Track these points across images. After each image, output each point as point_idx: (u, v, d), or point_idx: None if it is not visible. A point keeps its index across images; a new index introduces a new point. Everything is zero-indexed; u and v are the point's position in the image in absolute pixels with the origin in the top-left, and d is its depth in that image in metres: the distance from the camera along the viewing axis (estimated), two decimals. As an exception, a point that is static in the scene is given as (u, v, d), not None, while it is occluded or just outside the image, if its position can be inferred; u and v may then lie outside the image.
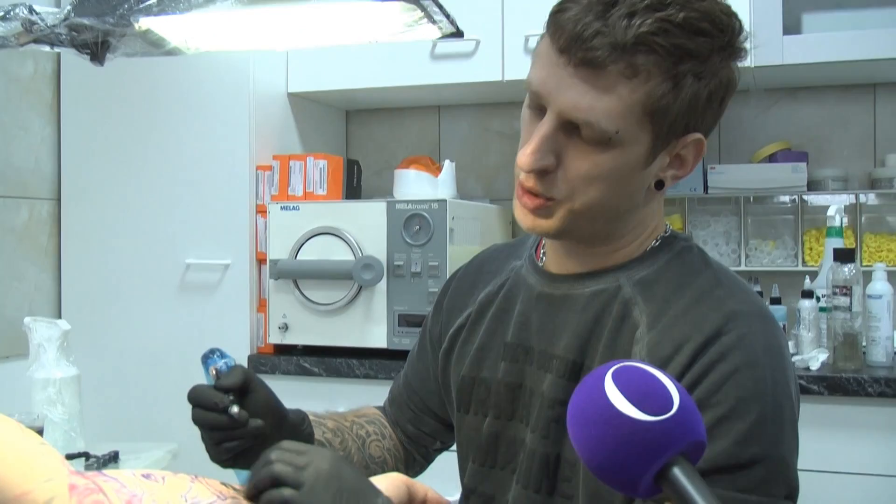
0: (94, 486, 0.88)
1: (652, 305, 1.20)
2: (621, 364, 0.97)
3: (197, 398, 1.24)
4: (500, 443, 1.31)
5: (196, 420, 1.24)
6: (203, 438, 1.26)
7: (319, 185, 2.98)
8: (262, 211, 2.96)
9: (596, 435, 0.93)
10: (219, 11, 1.09)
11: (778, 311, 2.66)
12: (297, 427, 1.33)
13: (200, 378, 3.03)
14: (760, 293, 2.73)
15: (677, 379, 1.06)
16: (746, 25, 1.18)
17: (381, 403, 1.58)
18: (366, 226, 2.78)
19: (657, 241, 1.26)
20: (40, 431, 1.86)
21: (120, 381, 3.06)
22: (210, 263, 3.00)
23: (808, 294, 2.65)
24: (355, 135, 3.60)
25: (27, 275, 3.12)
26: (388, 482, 1.09)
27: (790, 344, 2.68)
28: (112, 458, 2.02)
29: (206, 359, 1.35)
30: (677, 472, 0.92)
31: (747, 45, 1.17)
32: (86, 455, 2.01)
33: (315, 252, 2.82)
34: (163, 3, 1.11)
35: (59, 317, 3.18)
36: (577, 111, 1.11)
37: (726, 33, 1.13)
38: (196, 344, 2.92)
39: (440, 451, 1.54)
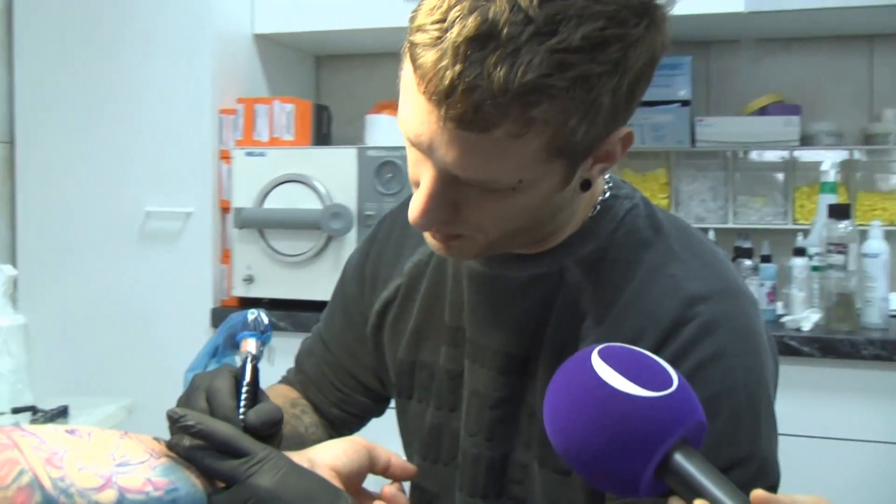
0: (9, 441, 0.80)
1: (600, 292, 1.04)
2: (605, 345, 0.84)
3: (217, 406, 0.93)
4: (444, 436, 1.18)
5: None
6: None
7: (286, 130, 2.85)
8: (225, 157, 2.83)
9: (587, 422, 0.80)
10: None
11: (768, 269, 2.56)
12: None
13: (163, 332, 2.91)
14: (749, 249, 2.61)
15: None
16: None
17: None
18: (335, 173, 2.65)
19: (596, 207, 1.07)
20: (-21, 382, 1.73)
21: (76, 332, 2.93)
22: (171, 211, 2.86)
23: (800, 252, 2.56)
24: (326, 81, 3.46)
25: (-22, 221, 2.97)
26: (348, 446, 0.99)
27: (779, 304, 2.60)
28: (61, 413, 1.88)
29: (242, 326, 1.06)
30: (682, 458, 0.79)
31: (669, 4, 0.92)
32: (33, 409, 1.87)
33: (282, 200, 2.69)
34: None
35: (15, 265, 3.03)
36: (464, 172, 0.90)
37: (643, 17, 0.89)
38: (157, 295, 2.87)
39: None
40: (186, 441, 0.89)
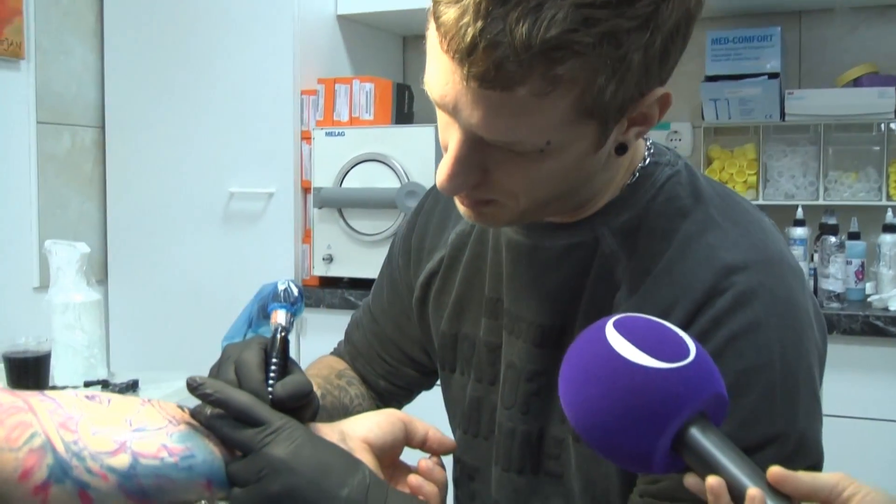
0: (24, 405, 0.79)
1: (635, 261, 1.00)
2: (622, 315, 0.81)
3: (245, 379, 0.90)
4: (483, 409, 1.15)
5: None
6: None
7: (366, 109, 2.84)
8: (306, 137, 2.84)
9: (599, 395, 0.77)
10: None
11: (856, 246, 2.45)
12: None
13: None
14: (835, 226, 2.49)
15: None
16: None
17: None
18: (413, 152, 2.64)
19: (635, 174, 1.03)
20: (48, 355, 1.77)
21: (161, 309, 3.01)
22: (254, 192, 2.90)
23: (891, 228, 2.46)
24: (413, 61, 3.44)
25: (71, 203, 3.05)
26: (382, 418, 0.97)
27: (868, 285, 2.48)
28: (131, 387, 1.92)
29: (272, 297, 1.04)
30: (697, 432, 0.75)
31: None
32: (104, 382, 1.91)
33: (360, 180, 2.70)
34: None
35: (105, 246, 3.12)
36: (489, 134, 0.87)
37: None
38: (240, 274, 2.90)
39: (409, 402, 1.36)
40: (208, 410, 0.88)
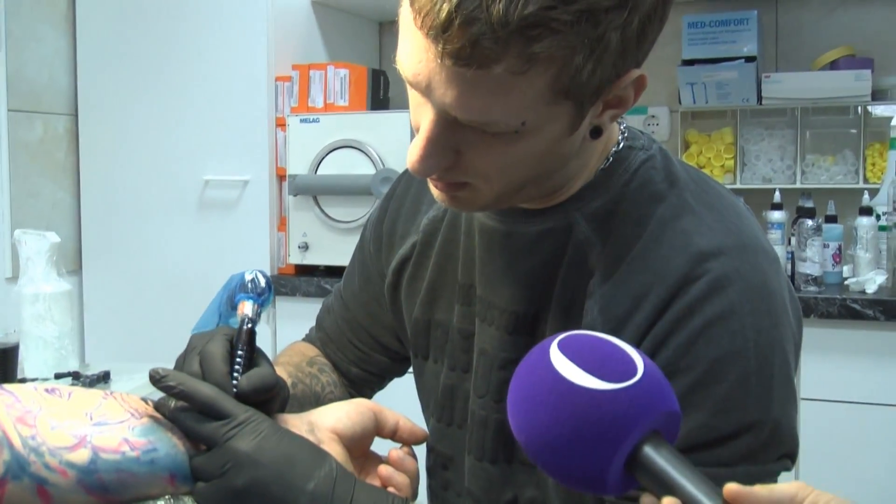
0: None
1: (609, 248, 0.98)
2: (567, 334, 0.78)
3: (209, 371, 0.89)
4: (457, 398, 1.13)
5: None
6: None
7: (340, 95, 2.82)
8: (281, 124, 2.82)
9: (547, 421, 0.74)
10: None
11: (833, 230, 2.45)
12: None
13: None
14: (811, 209, 2.49)
15: (637, 342, 0.91)
16: None
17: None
18: (389, 138, 2.62)
19: (609, 158, 1.01)
20: (15, 347, 1.74)
21: (136, 299, 2.99)
22: (229, 180, 2.87)
23: (867, 211, 2.45)
24: (390, 47, 3.42)
25: (43, 192, 3.01)
26: (351, 408, 0.95)
27: (846, 268, 2.48)
28: (102, 378, 1.90)
29: (240, 287, 1.02)
30: (651, 451, 0.73)
31: None
32: (75, 374, 1.89)
33: (336, 167, 2.67)
34: None
35: (79, 236, 3.09)
36: (463, 114, 0.85)
37: None
38: (215, 263, 2.88)
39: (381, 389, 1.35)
40: (172, 402, 0.86)
